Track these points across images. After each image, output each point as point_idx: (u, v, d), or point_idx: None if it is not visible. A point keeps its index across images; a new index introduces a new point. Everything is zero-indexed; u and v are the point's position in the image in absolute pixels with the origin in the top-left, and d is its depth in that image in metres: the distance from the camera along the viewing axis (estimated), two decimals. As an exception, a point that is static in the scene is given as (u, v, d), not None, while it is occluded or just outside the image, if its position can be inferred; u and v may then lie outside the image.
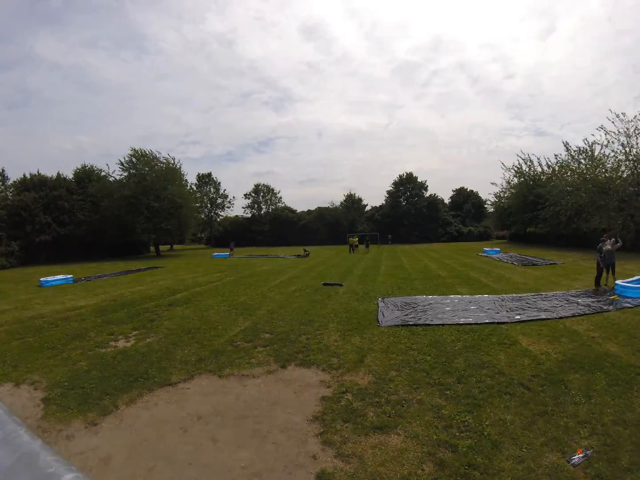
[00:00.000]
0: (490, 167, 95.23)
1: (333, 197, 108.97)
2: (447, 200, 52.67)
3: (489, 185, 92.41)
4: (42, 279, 15.35)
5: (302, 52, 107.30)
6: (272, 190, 57.98)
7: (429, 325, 7.06)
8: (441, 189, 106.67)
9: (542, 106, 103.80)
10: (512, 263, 17.69)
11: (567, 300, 8.65)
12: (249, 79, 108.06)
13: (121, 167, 32.20)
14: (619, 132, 22.04)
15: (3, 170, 33.96)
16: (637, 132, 21.43)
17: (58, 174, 31.78)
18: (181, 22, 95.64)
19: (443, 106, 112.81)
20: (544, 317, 7.29)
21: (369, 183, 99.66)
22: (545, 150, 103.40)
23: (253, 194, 57.32)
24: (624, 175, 22.67)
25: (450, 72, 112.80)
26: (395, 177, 50.75)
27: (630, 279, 9.81)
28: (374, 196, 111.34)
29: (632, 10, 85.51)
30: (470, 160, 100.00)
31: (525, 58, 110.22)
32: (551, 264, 16.78)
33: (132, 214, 30.58)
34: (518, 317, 7.33)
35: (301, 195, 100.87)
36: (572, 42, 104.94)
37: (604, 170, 23.66)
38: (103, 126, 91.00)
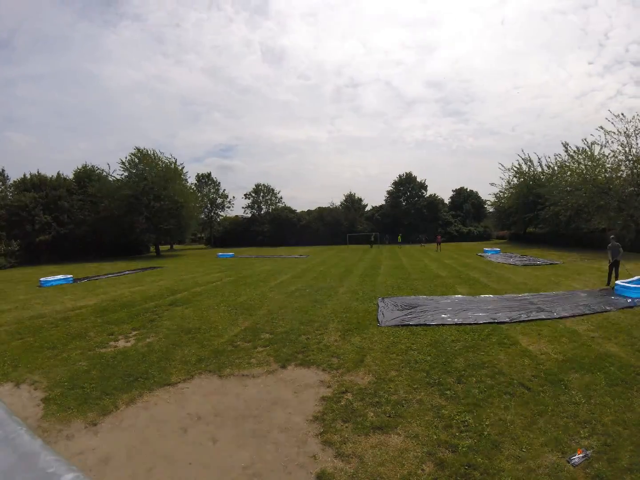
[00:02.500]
0: (459, 165, 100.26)
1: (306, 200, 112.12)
2: (447, 201, 52.66)
3: (486, 184, 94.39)
4: (42, 279, 15.34)
5: (216, 88, 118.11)
6: (272, 190, 58.01)
7: (429, 325, 7.06)
8: (440, 189, 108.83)
9: (478, 111, 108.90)
10: (512, 263, 17.69)
11: (567, 300, 8.65)
12: (193, 104, 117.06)
13: (122, 166, 32.22)
14: (619, 132, 22.07)
15: (3, 170, 33.84)
16: (636, 132, 21.45)
17: (58, 173, 31.77)
18: (125, 67, 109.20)
19: (378, 116, 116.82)
20: (544, 317, 7.29)
21: (337, 187, 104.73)
22: (509, 148, 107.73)
23: (253, 194, 57.32)
24: (624, 175, 22.68)
25: (354, 89, 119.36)
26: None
27: (630, 279, 9.81)
28: (370, 197, 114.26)
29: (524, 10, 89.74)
30: (435, 159, 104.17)
31: (435, 66, 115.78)
32: (551, 264, 16.78)
33: (132, 214, 30.57)
34: (518, 317, 7.33)
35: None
36: (476, 45, 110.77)
37: (603, 170, 23.66)
38: (80, 142, 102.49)
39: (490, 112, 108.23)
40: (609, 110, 24.71)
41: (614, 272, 10.80)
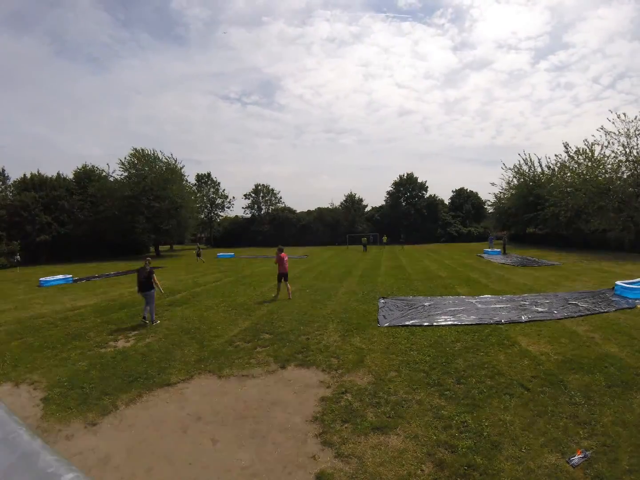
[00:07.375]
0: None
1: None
2: (447, 201, 52.63)
3: (481, 184, 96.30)
4: (42, 279, 15.35)
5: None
6: (272, 190, 57.94)
7: (428, 325, 7.06)
8: (438, 188, 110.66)
9: (363, 128, 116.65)
10: (512, 264, 17.69)
11: (566, 301, 8.65)
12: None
13: (122, 167, 32.21)
14: (619, 132, 22.05)
15: (3, 170, 33.82)
16: (637, 132, 21.43)
17: (58, 174, 31.85)
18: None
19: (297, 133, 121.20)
20: (544, 317, 7.29)
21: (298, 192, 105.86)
22: (444, 148, 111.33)
23: (253, 194, 57.25)
24: (624, 176, 22.66)
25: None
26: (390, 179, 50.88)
27: (631, 281, 9.81)
28: (371, 198, 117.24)
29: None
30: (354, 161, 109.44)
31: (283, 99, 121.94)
32: (551, 264, 16.78)
33: (132, 214, 30.56)
34: (518, 317, 7.33)
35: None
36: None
37: (604, 171, 23.64)
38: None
39: (372, 128, 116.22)
40: (610, 111, 24.67)
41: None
